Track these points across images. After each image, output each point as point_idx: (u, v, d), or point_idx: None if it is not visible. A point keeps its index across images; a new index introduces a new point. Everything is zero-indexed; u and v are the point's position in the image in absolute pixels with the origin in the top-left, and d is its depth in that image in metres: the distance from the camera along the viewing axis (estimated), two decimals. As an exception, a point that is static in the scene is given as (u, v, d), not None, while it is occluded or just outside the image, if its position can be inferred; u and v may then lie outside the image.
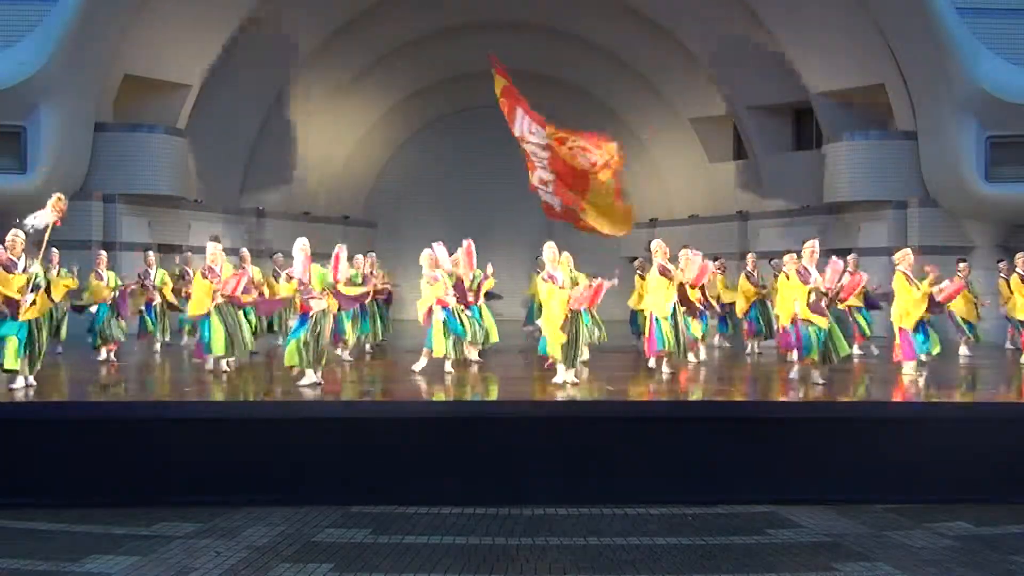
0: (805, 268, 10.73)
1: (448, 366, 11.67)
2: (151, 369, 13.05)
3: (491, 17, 22.08)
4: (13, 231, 9.83)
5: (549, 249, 10.72)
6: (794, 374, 11.15)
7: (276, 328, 14.75)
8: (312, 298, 10.11)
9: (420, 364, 11.88)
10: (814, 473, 8.38)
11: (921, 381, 11.07)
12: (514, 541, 7.05)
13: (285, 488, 8.13)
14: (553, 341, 10.41)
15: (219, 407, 9.34)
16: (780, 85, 20.91)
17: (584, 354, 12.21)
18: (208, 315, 11.36)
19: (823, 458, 8.43)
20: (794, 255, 11.61)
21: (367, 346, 14.64)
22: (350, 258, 11.57)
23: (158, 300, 14.60)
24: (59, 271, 13.07)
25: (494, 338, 13.10)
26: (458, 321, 11.78)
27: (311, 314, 10.11)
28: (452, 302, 11.78)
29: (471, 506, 7.94)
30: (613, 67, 23.43)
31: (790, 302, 10.78)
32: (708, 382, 11.82)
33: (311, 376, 10.20)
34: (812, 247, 10.80)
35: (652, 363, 11.93)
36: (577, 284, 10.61)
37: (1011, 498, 8.18)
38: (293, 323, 11.02)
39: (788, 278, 10.91)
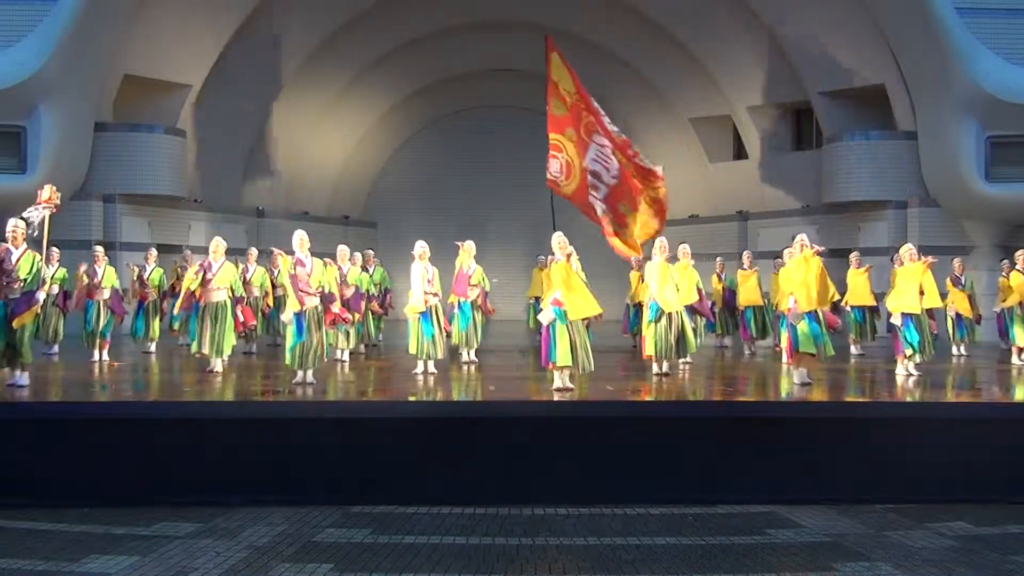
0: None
1: (421, 366, 11.65)
2: (146, 369, 13.05)
3: (491, 17, 22.09)
4: (13, 221, 9.76)
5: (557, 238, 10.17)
6: (796, 378, 10.94)
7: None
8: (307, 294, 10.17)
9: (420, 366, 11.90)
10: (814, 473, 8.37)
11: (914, 380, 11.08)
12: (514, 541, 7.04)
13: (285, 488, 8.13)
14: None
15: (219, 407, 9.34)
16: (780, 85, 20.92)
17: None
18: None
19: (823, 458, 8.42)
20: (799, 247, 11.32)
21: (361, 347, 14.61)
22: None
23: (151, 299, 14.58)
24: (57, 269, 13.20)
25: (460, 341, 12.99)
26: (431, 323, 11.68)
27: (304, 311, 10.17)
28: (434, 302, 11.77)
29: (471, 506, 7.94)
30: (613, 67, 23.43)
31: (785, 295, 10.80)
32: (707, 382, 11.81)
33: (300, 375, 10.26)
34: (801, 240, 10.74)
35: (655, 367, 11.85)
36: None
37: (1011, 498, 8.17)
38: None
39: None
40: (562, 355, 9.71)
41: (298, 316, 10.19)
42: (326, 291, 10.39)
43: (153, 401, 10.03)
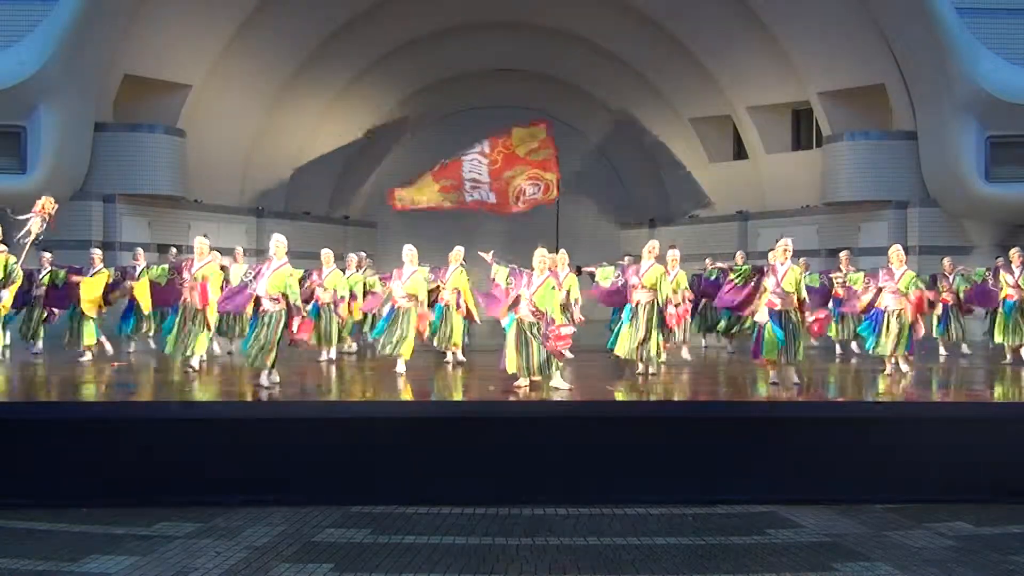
0: (771, 266, 10.52)
1: (400, 366, 11.63)
2: (144, 368, 13.05)
3: (491, 17, 22.09)
4: None
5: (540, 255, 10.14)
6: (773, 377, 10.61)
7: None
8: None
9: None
10: (814, 473, 8.37)
11: (909, 380, 11.08)
12: (514, 541, 7.04)
13: (285, 488, 8.13)
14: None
15: (219, 407, 9.34)
16: (780, 85, 20.92)
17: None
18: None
19: (823, 458, 8.42)
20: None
21: (354, 345, 14.55)
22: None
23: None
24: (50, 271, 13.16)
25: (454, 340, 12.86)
26: (385, 322, 11.72)
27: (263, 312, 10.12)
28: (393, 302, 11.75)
29: (471, 506, 7.94)
30: (613, 67, 23.43)
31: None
32: (706, 382, 11.82)
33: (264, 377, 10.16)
34: (785, 245, 10.56)
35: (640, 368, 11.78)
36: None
37: (1011, 498, 8.17)
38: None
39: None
40: (508, 361, 10.00)
41: (254, 317, 10.15)
42: (291, 301, 10.08)
43: (152, 401, 10.03)
